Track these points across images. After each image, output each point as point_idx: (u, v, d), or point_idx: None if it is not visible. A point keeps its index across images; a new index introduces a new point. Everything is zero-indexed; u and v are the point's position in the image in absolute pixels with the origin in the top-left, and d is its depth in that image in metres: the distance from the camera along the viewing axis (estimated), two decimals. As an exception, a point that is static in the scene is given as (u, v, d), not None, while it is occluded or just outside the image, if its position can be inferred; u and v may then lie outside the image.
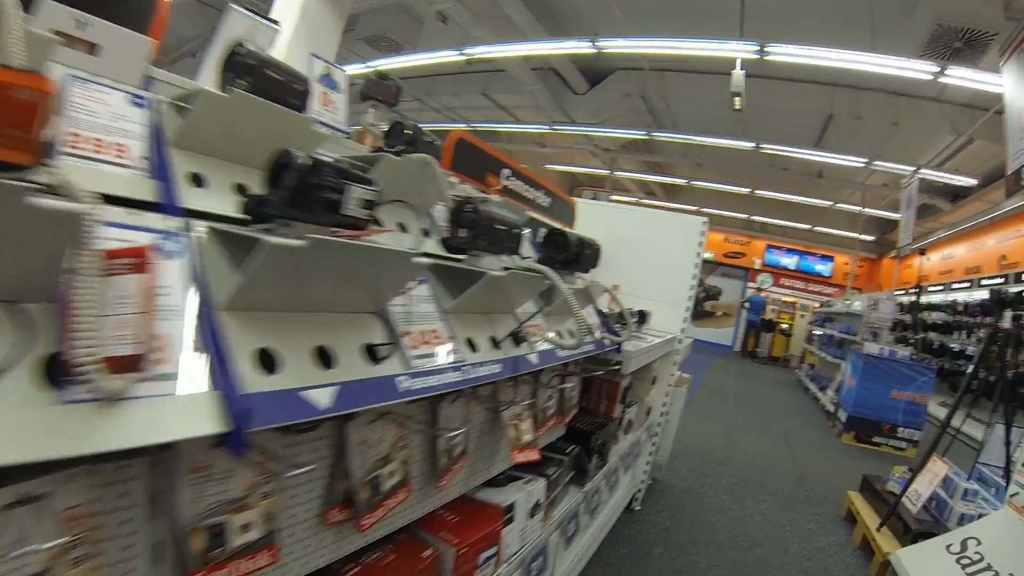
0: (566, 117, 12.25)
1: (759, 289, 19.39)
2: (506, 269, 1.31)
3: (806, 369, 13.34)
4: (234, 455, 0.75)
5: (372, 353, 1.02)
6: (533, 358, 1.51)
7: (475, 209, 1.22)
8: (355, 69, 11.07)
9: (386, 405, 1.03)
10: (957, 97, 8.77)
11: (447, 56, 9.17)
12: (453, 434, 1.32)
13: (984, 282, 10.71)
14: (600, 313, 2.32)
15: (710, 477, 4.89)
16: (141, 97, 1.13)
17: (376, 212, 0.99)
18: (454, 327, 1.29)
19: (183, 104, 1.20)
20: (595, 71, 11.05)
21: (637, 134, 12.25)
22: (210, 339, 0.79)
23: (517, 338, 1.42)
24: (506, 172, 2.52)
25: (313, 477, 1.09)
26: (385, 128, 2.63)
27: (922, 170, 10.31)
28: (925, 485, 3.78)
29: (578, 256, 1.70)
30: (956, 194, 12.48)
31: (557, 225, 3.21)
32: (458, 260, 1.38)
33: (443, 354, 1.19)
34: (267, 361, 0.85)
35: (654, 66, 10.04)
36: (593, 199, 5.56)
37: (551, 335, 1.51)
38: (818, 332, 13.79)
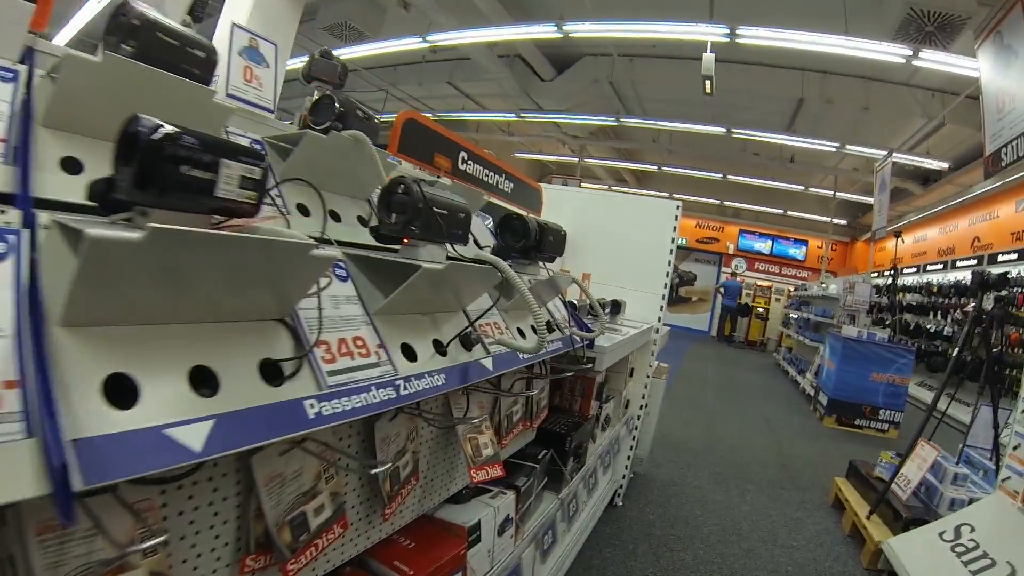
0: (533, 104, 12.04)
1: (733, 274, 19.40)
2: (451, 259, 1.11)
3: (784, 352, 13.33)
4: (64, 521, 0.54)
5: (272, 371, 0.81)
6: (487, 363, 1.31)
7: (407, 190, 1.01)
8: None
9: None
10: (928, 82, 8.77)
11: (411, 44, 8.95)
12: (384, 467, 1.12)
13: (960, 263, 10.76)
14: (569, 306, 2.13)
15: (693, 467, 4.75)
16: (11, 71, 0.95)
17: (289, 198, 0.79)
18: (385, 332, 1.08)
19: (56, 76, 0.99)
20: (562, 58, 10.84)
21: (606, 120, 12.09)
22: (35, 365, 0.59)
23: (467, 341, 1.23)
24: (463, 155, 2.31)
25: (220, 520, 0.89)
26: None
27: (895, 154, 10.29)
28: (914, 470, 3.67)
29: (540, 243, 1.50)
30: (927, 178, 12.54)
31: (520, 210, 3.02)
32: (392, 251, 1.18)
33: (369, 367, 0.99)
34: (123, 391, 0.65)
35: (622, 51, 9.85)
36: (563, 186, 5.34)
37: (506, 336, 1.31)
38: (794, 315, 13.81)
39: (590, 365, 1.91)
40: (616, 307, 3.22)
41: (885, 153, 10.38)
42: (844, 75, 9.15)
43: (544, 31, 7.46)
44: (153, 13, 1.08)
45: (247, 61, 1.54)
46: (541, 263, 1.93)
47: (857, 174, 13.21)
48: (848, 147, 10.59)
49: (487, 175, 2.60)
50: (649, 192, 18.00)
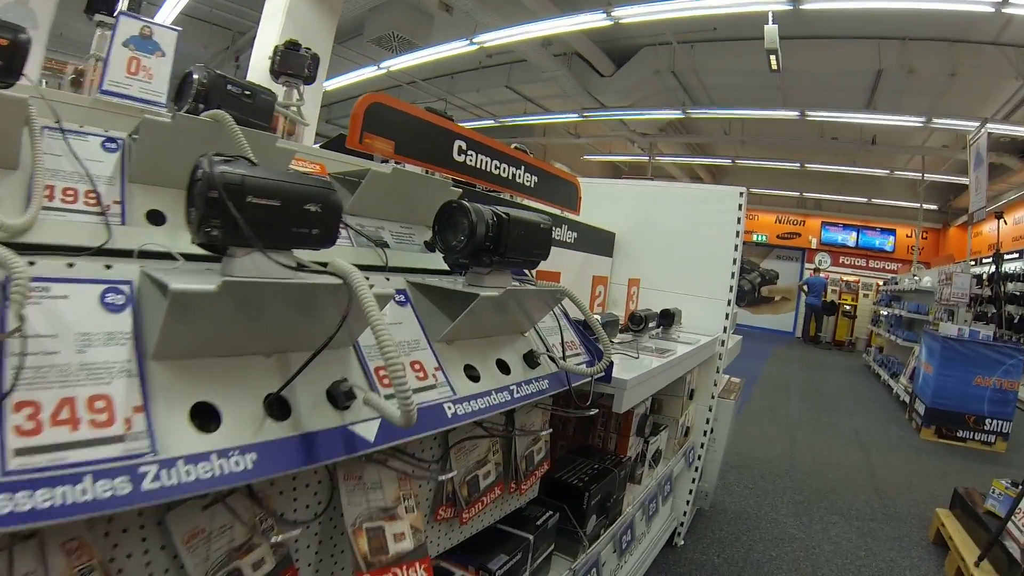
0: (595, 102, 11.60)
1: (817, 270, 18.25)
2: (301, 268, 0.75)
3: (874, 353, 12.35)
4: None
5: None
6: (365, 431, 0.88)
7: (223, 183, 0.64)
8: (368, 73, 10.74)
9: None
10: (1020, 38, 7.77)
11: (459, 48, 8.69)
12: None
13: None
14: (579, 327, 1.69)
15: (769, 495, 4.19)
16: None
17: None
18: (160, 386, 0.70)
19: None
20: (620, 51, 10.37)
21: (672, 113, 11.52)
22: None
23: (337, 397, 0.83)
24: (459, 144, 1.93)
25: None
26: (301, 104, 2.07)
27: (988, 124, 9.25)
28: (1037, 503, 3.04)
29: (497, 242, 1.11)
30: None
31: (552, 210, 2.60)
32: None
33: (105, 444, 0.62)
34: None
35: (681, 38, 9.31)
36: (605, 180, 4.88)
37: (372, 395, 0.86)
38: (884, 312, 12.81)
39: (594, 411, 1.48)
40: (667, 317, 2.75)
41: (978, 124, 9.33)
42: (925, 39, 8.31)
43: (593, 20, 7.01)
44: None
45: (134, 52, 1.26)
46: (523, 271, 1.56)
47: (947, 151, 12.10)
48: (935, 120, 9.61)
49: (498, 168, 2.21)
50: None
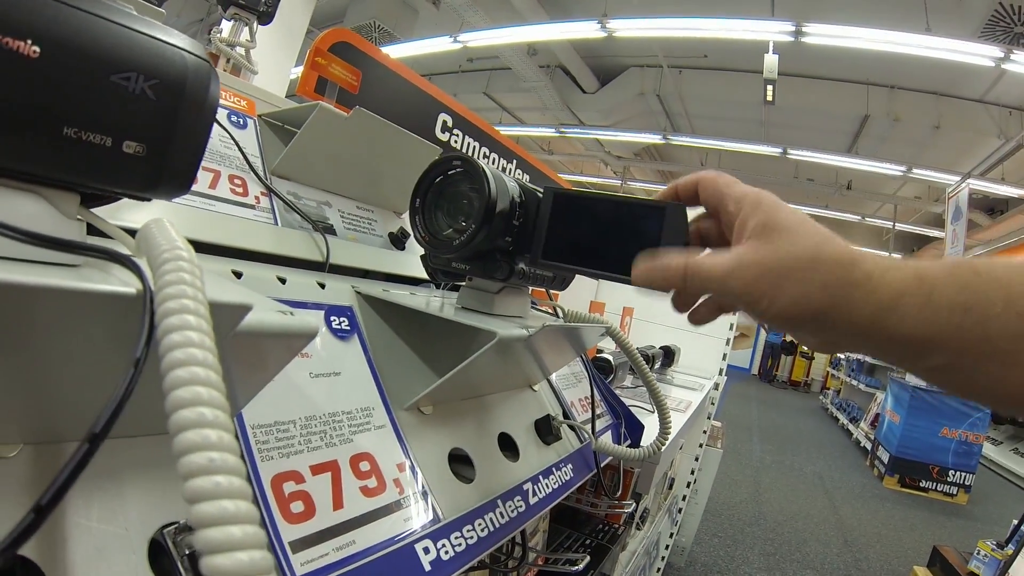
0: (574, 118, 11.32)
1: (779, 307, 18.29)
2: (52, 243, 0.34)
3: (831, 396, 12.29)
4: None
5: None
6: None
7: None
8: (345, 64, 10.28)
9: None
10: (1005, 98, 7.85)
11: (442, 45, 8.32)
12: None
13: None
14: (600, 386, 1.20)
15: (740, 546, 3.87)
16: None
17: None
18: None
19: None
20: (606, 68, 10.12)
21: (652, 137, 11.29)
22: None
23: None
24: (445, 119, 1.56)
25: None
26: (252, 48, 1.67)
27: (970, 179, 9.29)
28: (1024, 570, 2.81)
29: (523, 229, 0.64)
30: (992, 207, 11.45)
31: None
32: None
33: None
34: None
35: (671, 62, 9.10)
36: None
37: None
38: (843, 356, 12.77)
39: (631, 505, 1.08)
40: (669, 356, 2.40)
41: (956, 179, 9.36)
42: (913, 90, 8.29)
43: (586, 30, 6.70)
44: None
45: None
46: (539, 288, 0.89)
47: (918, 203, 12.15)
48: (915, 171, 9.59)
49: (486, 157, 1.84)
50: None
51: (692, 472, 2.85)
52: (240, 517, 0.23)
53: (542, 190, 0.63)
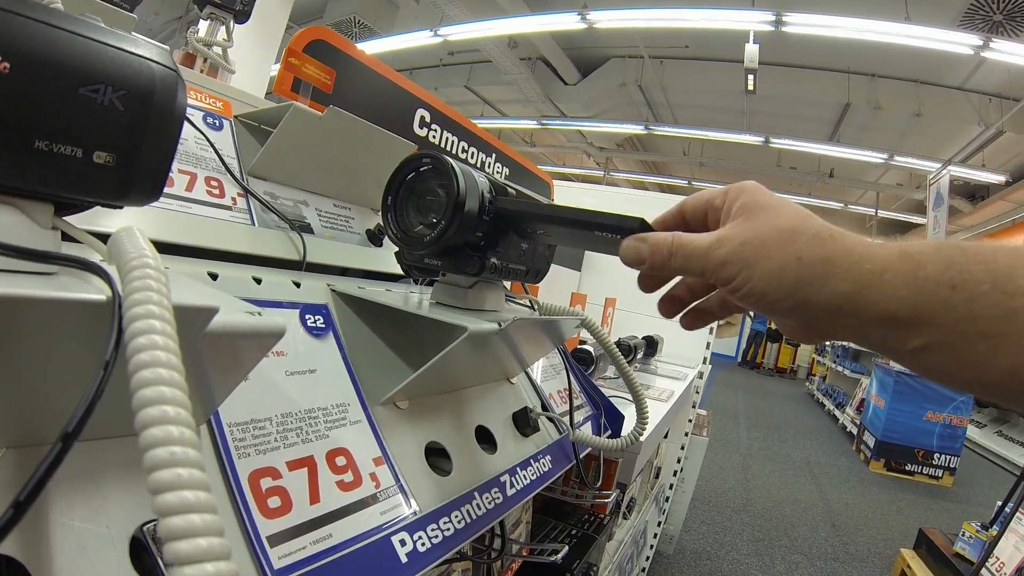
0: (556, 110, 11.32)
1: (765, 296, 18.41)
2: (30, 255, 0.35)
3: (817, 382, 12.40)
4: None
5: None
6: None
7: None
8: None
9: None
10: (984, 85, 7.93)
11: (423, 40, 8.29)
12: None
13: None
14: (580, 371, 1.27)
15: (729, 533, 3.92)
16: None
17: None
18: None
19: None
20: (587, 60, 10.12)
21: (635, 128, 11.32)
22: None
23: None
24: (423, 114, 1.57)
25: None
26: (229, 47, 1.67)
27: (951, 166, 9.40)
28: (1009, 550, 2.85)
29: (496, 234, 0.66)
30: (974, 194, 11.60)
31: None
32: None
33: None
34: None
35: (652, 52, 9.11)
36: (573, 183, 4.53)
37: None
38: (828, 343, 12.90)
39: (610, 496, 1.10)
40: (652, 347, 2.42)
41: (937, 166, 9.46)
42: (894, 78, 8.34)
43: (566, 21, 6.71)
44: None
45: None
46: (513, 281, 1.00)
47: (900, 190, 12.27)
48: (897, 158, 9.70)
49: (465, 152, 1.85)
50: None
51: (679, 461, 2.88)
52: (199, 505, 0.25)
53: (515, 187, 0.66)
